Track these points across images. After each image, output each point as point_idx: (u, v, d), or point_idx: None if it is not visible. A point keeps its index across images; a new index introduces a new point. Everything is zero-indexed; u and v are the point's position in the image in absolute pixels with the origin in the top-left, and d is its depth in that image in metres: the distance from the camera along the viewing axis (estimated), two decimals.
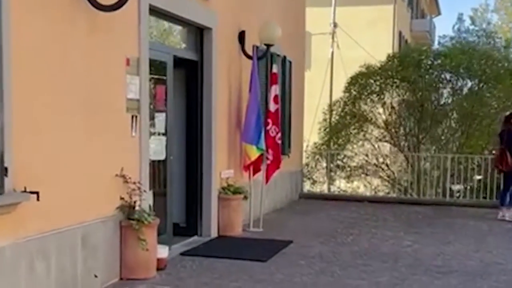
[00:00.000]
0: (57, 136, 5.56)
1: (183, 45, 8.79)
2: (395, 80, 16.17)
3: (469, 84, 16.28)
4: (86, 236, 5.98)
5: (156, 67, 7.78)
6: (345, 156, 16.55)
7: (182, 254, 7.92)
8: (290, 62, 12.87)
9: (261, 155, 9.83)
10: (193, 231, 9.03)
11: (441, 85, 16.26)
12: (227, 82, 9.65)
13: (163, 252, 7.08)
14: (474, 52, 16.20)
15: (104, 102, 6.25)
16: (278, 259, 7.86)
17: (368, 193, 15.85)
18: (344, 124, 16.60)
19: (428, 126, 16.19)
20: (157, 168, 7.91)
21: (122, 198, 6.56)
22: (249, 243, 8.83)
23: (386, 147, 17.24)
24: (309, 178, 15.99)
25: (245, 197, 9.59)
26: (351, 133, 16.66)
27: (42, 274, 5.36)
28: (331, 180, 16.17)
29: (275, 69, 10.22)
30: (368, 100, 16.52)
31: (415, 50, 17.03)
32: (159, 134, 7.89)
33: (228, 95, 9.70)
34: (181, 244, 8.43)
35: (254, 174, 9.97)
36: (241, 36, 10.08)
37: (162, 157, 7.96)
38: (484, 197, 13.72)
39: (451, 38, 19.96)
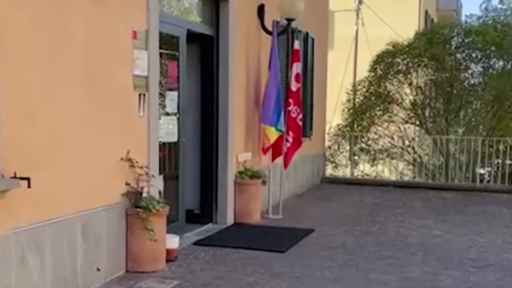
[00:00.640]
0: (53, 115, 5.00)
1: (198, 19, 8.18)
2: (423, 59, 15.44)
3: (501, 63, 15.50)
4: (87, 225, 5.43)
5: (168, 41, 7.20)
6: (369, 138, 15.89)
7: (195, 243, 7.36)
8: (313, 39, 12.22)
9: (282, 137, 9.23)
10: (208, 218, 8.47)
11: (471, 64, 15.49)
12: (245, 59, 9.04)
13: (173, 242, 6.53)
14: (508, 29, 15.39)
15: (107, 78, 5.68)
16: (298, 250, 7.28)
17: (393, 178, 15.19)
18: (368, 105, 15.93)
19: (457, 107, 15.49)
20: (169, 151, 7.36)
21: (128, 184, 6.01)
22: (267, 231, 8.25)
23: (412, 130, 16.55)
24: (331, 162, 15.37)
25: (264, 182, 9.00)
26: (375, 114, 15.99)
27: (36, 268, 4.82)
28: (354, 164, 15.54)
29: (297, 45, 9.57)
30: (394, 80, 15.84)
31: (445, 26, 16.25)
32: (170, 114, 7.32)
33: (246, 73, 9.09)
34: (195, 232, 7.88)
35: (274, 157, 9.38)
36: (261, 10, 9.44)
37: (174, 139, 7.39)
38: None
39: (479, 18, 19.14)
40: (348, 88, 16.86)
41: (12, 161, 4.53)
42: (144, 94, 6.28)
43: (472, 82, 15.76)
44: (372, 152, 15.79)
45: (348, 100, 16.53)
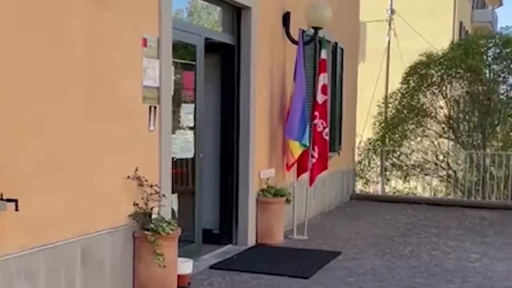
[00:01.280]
0: (49, 129, 4.54)
1: (217, 27, 7.69)
2: (459, 70, 14.75)
3: None
4: (88, 251, 4.94)
5: (184, 50, 6.75)
6: (401, 153, 15.21)
7: (212, 267, 6.83)
8: (342, 50, 11.67)
9: (307, 152, 8.69)
10: (228, 239, 7.94)
11: (510, 76, 14.76)
12: (269, 70, 8.53)
13: (186, 267, 6.01)
14: None
15: (112, 88, 5.21)
16: (323, 276, 6.71)
17: (426, 195, 14.50)
18: (400, 118, 15.28)
19: (494, 121, 14.75)
20: (184, 168, 6.86)
21: (136, 204, 5.52)
22: (290, 254, 7.68)
23: (447, 144, 15.83)
24: (361, 177, 14.72)
25: (288, 200, 8.45)
26: (408, 128, 15.32)
27: None
28: (385, 180, 14.88)
29: (324, 55, 9.03)
30: (428, 92, 15.18)
31: (481, 37, 15.56)
32: (186, 128, 6.83)
33: (270, 84, 8.58)
34: (213, 254, 7.35)
35: (298, 174, 8.84)
36: (286, 19, 8.94)
37: (190, 155, 6.90)
38: None
39: None
40: (379, 101, 16.22)
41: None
42: (155, 107, 5.80)
43: (511, 95, 15.03)
44: (405, 168, 15.10)
45: (379, 113, 15.89)
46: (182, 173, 6.87)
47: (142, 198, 5.55)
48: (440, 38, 21.32)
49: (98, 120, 5.03)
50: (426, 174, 14.96)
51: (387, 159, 14.90)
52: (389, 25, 21.07)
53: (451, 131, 15.41)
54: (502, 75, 14.75)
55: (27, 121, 4.34)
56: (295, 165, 8.71)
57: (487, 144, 14.98)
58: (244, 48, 7.90)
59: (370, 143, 15.34)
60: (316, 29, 8.89)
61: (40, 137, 4.46)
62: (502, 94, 14.92)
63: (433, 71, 15.04)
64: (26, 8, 4.29)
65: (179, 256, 5.79)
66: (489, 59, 14.73)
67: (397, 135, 15.33)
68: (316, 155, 8.94)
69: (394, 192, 14.99)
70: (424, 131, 15.48)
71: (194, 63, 6.90)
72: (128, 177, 5.40)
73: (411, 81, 15.21)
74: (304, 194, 9.06)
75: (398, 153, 15.22)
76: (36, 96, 4.42)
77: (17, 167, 4.25)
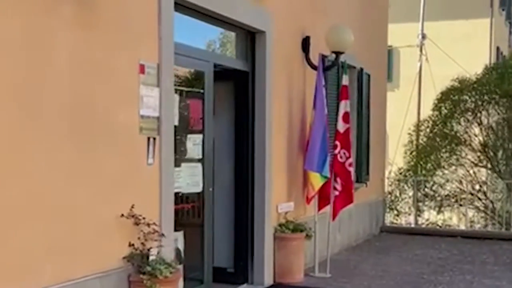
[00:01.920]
0: (28, 166, 4.11)
1: (229, 52, 7.26)
2: (494, 96, 14.10)
3: None
4: None
5: (190, 77, 6.32)
6: (434, 183, 14.54)
7: None
8: (368, 76, 11.16)
9: (328, 184, 8.17)
10: (243, 278, 7.42)
11: None
12: (286, 97, 8.07)
13: None
14: None
15: (104, 119, 4.77)
16: None
17: (462, 227, 13.78)
18: (433, 146, 14.63)
19: None
20: (192, 203, 6.41)
21: (131, 245, 5.05)
22: None
23: (483, 173, 15.10)
24: (392, 209, 14.08)
25: (308, 236, 7.90)
26: (441, 157, 14.65)
27: None
28: (418, 211, 14.20)
29: (345, 81, 8.54)
30: (462, 119, 14.53)
31: None
32: (193, 160, 6.38)
33: (288, 112, 8.11)
34: None
35: (320, 207, 8.31)
36: (305, 43, 8.49)
37: (198, 189, 6.43)
38: None
39: None
40: (410, 129, 15.59)
41: None
42: (154, 138, 5.36)
43: None
44: (438, 198, 14.42)
45: (410, 142, 15.26)
46: (190, 209, 6.41)
47: (139, 238, 5.08)
48: (475, 64, 20.62)
49: (86, 154, 4.60)
50: (461, 205, 14.25)
51: (419, 190, 14.25)
52: (420, 50, 20.46)
53: (487, 159, 14.70)
54: None
55: (3, 161, 3.93)
56: (316, 198, 8.20)
57: None
58: (259, 75, 7.45)
59: (401, 173, 14.71)
60: (337, 53, 8.42)
61: (17, 176, 4.04)
62: None
63: (467, 97, 14.41)
64: (6, 36, 3.90)
65: None
66: None
67: (429, 164, 14.66)
68: (339, 187, 8.40)
69: (427, 224, 14.29)
70: (458, 159, 14.80)
71: (201, 90, 6.47)
72: (122, 215, 4.94)
73: (443, 108, 14.59)
74: (327, 229, 8.51)
75: (431, 183, 14.56)
76: (12, 134, 4.00)
77: None
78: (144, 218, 5.10)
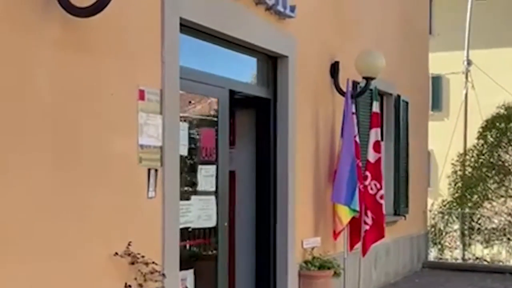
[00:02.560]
0: (4, 204, 3.76)
1: (248, 78, 6.86)
2: None
3: None
4: None
5: (202, 104, 5.93)
6: (482, 216, 13.78)
7: None
8: (407, 103, 10.64)
9: (358, 218, 7.66)
10: None
11: None
12: (313, 125, 7.64)
13: None
14: None
15: (94, 150, 4.38)
16: None
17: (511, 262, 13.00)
18: (479, 177, 13.88)
19: None
20: (204, 238, 5.98)
21: (128, 286, 4.64)
22: None
23: None
24: (436, 243, 13.35)
25: (336, 273, 7.37)
26: (488, 188, 13.90)
27: None
28: (464, 246, 13.45)
29: (375, 108, 8.07)
30: (510, 148, 13.79)
31: None
32: (205, 193, 5.96)
33: (314, 142, 7.66)
34: None
35: (350, 243, 7.80)
36: (334, 68, 8.06)
37: (211, 223, 6.00)
38: None
39: None
40: (453, 159, 14.87)
41: None
42: (156, 170, 4.96)
43: None
44: (486, 232, 13.63)
45: (454, 172, 14.53)
46: (202, 245, 5.98)
47: (135, 279, 4.66)
48: None
49: (73, 188, 4.20)
50: (510, 239, 13.45)
51: (465, 223, 13.52)
52: (466, 77, 19.72)
53: None
54: None
55: None
56: (347, 233, 7.70)
57: None
58: (281, 102, 7.04)
59: (445, 205, 14.00)
60: (368, 79, 7.96)
61: None
62: None
63: None
64: None
65: None
66: None
67: (476, 196, 13.91)
68: (369, 221, 7.89)
69: (474, 259, 13.50)
70: (507, 191, 14.01)
71: (215, 119, 6.07)
72: (116, 254, 4.53)
73: (488, 136, 13.89)
74: (358, 265, 7.97)
75: (478, 215, 13.80)
76: None
77: None
78: (143, 256, 4.69)
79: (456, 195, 14.08)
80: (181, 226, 5.47)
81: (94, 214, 4.39)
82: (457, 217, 13.45)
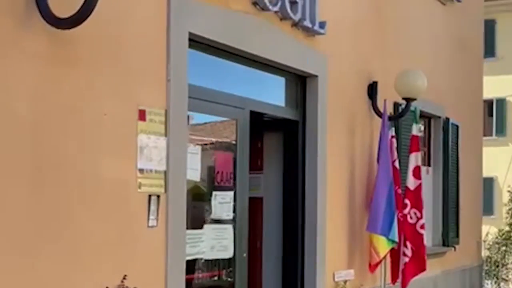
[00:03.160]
0: None
1: (273, 98, 6.42)
2: None
3: None
4: None
5: (217, 126, 5.55)
6: None
7: None
8: (457, 126, 10.01)
9: (396, 249, 7.11)
10: None
11: None
12: (347, 150, 7.15)
13: None
14: None
15: (83, 173, 4.02)
16: None
17: None
18: None
19: None
20: (218, 271, 5.56)
21: None
22: None
23: None
24: (492, 276, 12.55)
25: None
26: None
27: None
28: None
29: (415, 130, 7.52)
30: None
31: None
32: (221, 221, 5.55)
33: (348, 167, 7.16)
34: None
35: (393, 278, 7.25)
36: (372, 89, 7.57)
37: (227, 254, 5.58)
38: None
39: None
40: (510, 186, 14.05)
41: None
42: (158, 196, 4.57)
43: None
44: None
45: (511, 200, 13.72)
46: (215, 278, 5.56)
47: None
48: None
49: (57, 217, 3.84)
50: None
51: None
52: None
53: None
54: None
55: None
56: (383, 265, 7.14)
57: None
58: (310, 124, 6.59)
59: (501, 235, 13.19)
60: (408, 100, 7.44)
61: None
62: None
63: None
64: None
65: None
66: None
67: None
68: (409, 253, 7.31)
69: None
70: None
71: (234, 142, 5.67)
72: None
73: None
74: None
75: None
76: None
77: None
78: None
79: None
80: (191, 258, 5.08)
81: (82, 245, 4.01)
82: None
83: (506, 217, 13.56)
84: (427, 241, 7.68)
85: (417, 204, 7.36)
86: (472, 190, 10.85)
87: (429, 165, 9.61)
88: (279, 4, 5.76)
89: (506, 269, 12.71)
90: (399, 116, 7.63)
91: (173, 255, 4.67)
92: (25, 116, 3.69)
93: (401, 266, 7.27)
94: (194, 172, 5.16)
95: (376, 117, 7.54)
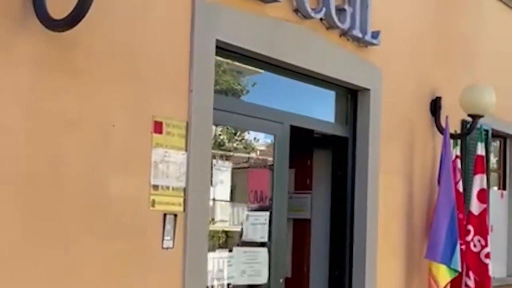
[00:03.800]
0: None
1: (319, 113, 5.97)
2: None
3: None
4: None
5: (249, 141, 5.19)
6: None
7: None
8: None
9: (458, 279, 6.50)
10: None
11: None
12: (405, 170, 6.61)
13: None
14: None
15: (85, 189, 3.72)
16: None
17: None
18: None
19: None
20: None
21: None
22: None
23: None
24: None
25: None
26: None
27: None
28: None
29: (480, 150, 6.90)
30: None
31: None
32: (253, 244, 5.15)
33: (407, 188, 6.62)
34: None
35: None
36: (435, 105, 7.02)
37: (261, 279, 5.15)
38: None
39: None
40: None
41: None
42: (175, 215, 4.22)
43: None
44: None
45: None
46: None
47: None
48: None
49: (53, 235, 3.54)
50: None
51: None
52: None
53: None
54: None
55: None
56: None
57: None
58: (361, 141, 6.11)
59: None
60: (474, 117, 6.84)
61: None
62: None
63: None
64: None
65: None
66: None
67: None
68: (471, 284, 6.68)
69: None
70: None
71: (269, 158, 5.27)
72: None
73: None
74: None
75: None
76: None
77: None
78: None
79: None
80: (218, 283, 4.70)
81: (83, 267, 3.70)
82: None
83: None
84: (494, 271, 6.99)
85: (482, 231, 6.72)
86: None
87: (504, 188, 8.90)
88: (323, 11, 5.35)
89: None
90: (465, 134, 7.03)
91: (192, 280, 4.29)
92: (19, 126, 3.42)
93: None
94: (222, 190, 4.80)
95: (440, 135, 6.97)
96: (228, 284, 4.86)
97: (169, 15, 4.26)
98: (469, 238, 6.71)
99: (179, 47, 4.32)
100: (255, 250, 5.14)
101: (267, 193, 5.25)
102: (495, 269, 7.38)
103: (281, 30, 5.09)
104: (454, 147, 6.93)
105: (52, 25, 3.38)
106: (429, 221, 6.64)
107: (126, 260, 3.94)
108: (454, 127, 7.10)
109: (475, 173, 6.88)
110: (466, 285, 6.66)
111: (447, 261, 6.35)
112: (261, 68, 5.16)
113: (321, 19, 5.45)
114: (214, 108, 4.51)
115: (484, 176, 6.87)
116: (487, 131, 7.42)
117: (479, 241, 6.70)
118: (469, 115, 6.89)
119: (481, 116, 6.83)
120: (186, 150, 4.32)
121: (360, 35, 5.78)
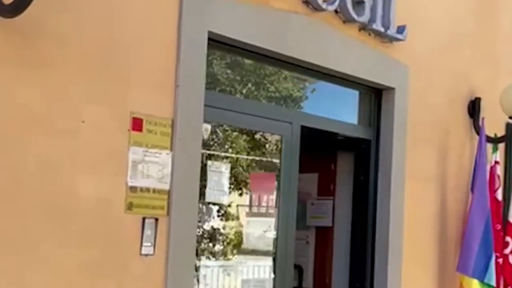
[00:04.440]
0: None
1: (336, 113, 5.56)
2: None
3: None
4: None
5: (255, 143, 4.83)
6: None
7: None
8: None
9: None
10: None
11: None
12: (437, 176, 6.13)
13: None
14: None
15: (50, 191, 3.43)
16: None
17: None
18: None
19: None
20: None
21: None
22: None
23: None
24: None
25: None
26: None
27: None
28: None
29: None
30: None
31: None
32: (256, 253, 4.79)
33: (439, 195, 6.15)
34: None
35: None
36: (474, 106, 6.50)
37: None
38: None
39: None
40: None
41: None
42: (156, 219, 3.92)
43: None
44: None
45: None
46: None
47: None
48: None
49: (14, 240, 3.30)
50: None
51: None
52: None
53: None
54: None
55: None
56: None
57: None
58: (384, 144, 5.67)
59: None
60: None
61: None
62: None
63: None
64: None
65: None
66: None
67: None
68: None
69: None
70: None
71: (277, 161, 4.91)
72: None
73: None
74: None
75: None
76: None
77: None
78: None
79: None
80: None
81: (41, 278, 3.41)
82: None
83: None
84: None
85: None
86: None
87: None
88: (336, 2, 4.95)
89: None
90: (506, 138, 6.48)
91: (174, 287, 3.98)
92: None
93: None
94: (219, 194, 4.47)
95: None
96: None
97: (153, 5, 3.97)
98: (507, 250, 6.16)
99: (165, 37, 4.01)
100: (260, 259, 4.78)
101: (272, 199, 4.87)
102: None
103: (287, 22, 4.73)
104: (493, 152, 6.39)
105: (2, 11, 3.13)
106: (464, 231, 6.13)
107: (95, 269, 3.63)
108: (497, 130, 6.56)
109: None
110: None
111: (480, 275, 5.84)
112: (263, 63, 4.80)
113: (336, 11, 5.06)
114: (214, 107, 4.21)
115: None
116: None
117: None
118: (510, 117, 6.35)
119: None
120: (171, 149, 4.01)
121: (382, 29, 5.36)
